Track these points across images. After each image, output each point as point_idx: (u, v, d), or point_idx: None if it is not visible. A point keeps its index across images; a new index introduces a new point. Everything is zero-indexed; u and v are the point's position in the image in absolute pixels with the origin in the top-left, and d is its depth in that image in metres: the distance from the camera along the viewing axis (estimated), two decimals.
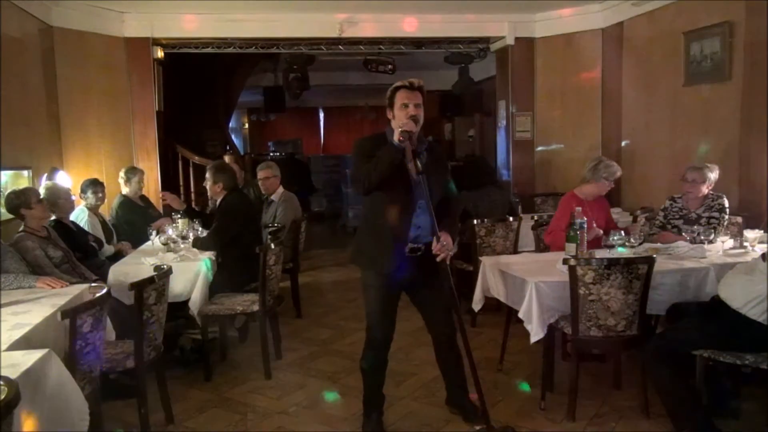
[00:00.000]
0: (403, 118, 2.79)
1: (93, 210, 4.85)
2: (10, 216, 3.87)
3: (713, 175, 4.03)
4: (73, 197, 4.68)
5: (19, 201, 3.70)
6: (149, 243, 4.51)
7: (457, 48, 7.55)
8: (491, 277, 3.63)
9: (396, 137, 2.74)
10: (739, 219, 4.35)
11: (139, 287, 2.86)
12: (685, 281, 3.29)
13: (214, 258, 4.23)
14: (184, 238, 4.42)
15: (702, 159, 4.64)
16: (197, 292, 3.89)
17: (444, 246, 2.79)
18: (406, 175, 2.84)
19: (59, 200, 4.33)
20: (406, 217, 2.86)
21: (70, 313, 2.41)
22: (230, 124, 12.25)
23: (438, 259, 2.82)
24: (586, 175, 3.98)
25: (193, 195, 7.68)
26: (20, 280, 3.14)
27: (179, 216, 4.79)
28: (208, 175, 4.57)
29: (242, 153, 11.69)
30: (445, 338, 3.07)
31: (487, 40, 7.27)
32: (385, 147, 2.78)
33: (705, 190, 4.03)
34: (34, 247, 3.63)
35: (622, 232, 3.65)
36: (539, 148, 7.06)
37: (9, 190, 3.90)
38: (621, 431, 3.07)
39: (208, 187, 4.59)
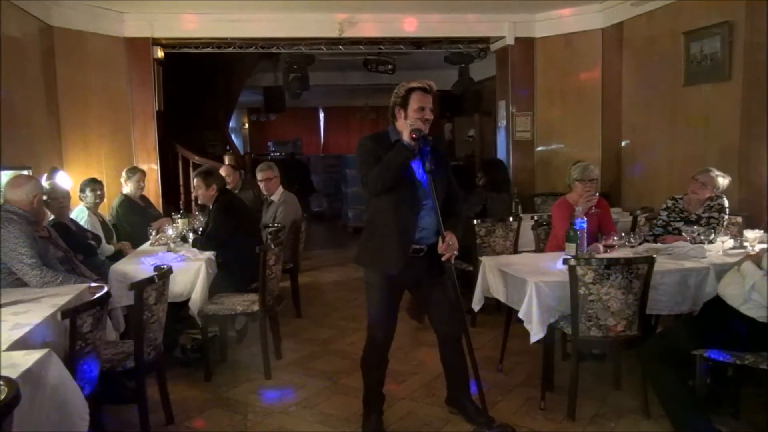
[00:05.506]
0: (418, 120, 2.78)
1: (92, 209, 4.84)
2: None
3: (723, 182, 4.02)
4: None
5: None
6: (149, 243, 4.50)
7: (457, 48, 7.55)
8: (491, 277, 3.64)
9: (407, 136, 2.74)
10: (739, 219, 4.35)
11: (139, 287, 2.86)
12: (685, 281, 3.29)
13: (213, 258, 4.23)
14: (183, 238, 4.41)
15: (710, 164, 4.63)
16: (197, 292, 3.89)
17: (449, 246, 2.79)
18: (411, 175, 2.84)
19: (56, 201, 4.32)
20: (411, 217, 2.86)
21: (70, 313, 2.41)
22: (230, 124, 12.26)
23: (443, 258, 2.82)
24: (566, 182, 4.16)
25: (193, 195, 7.67)
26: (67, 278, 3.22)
27: (179, 216, 4.80)
28: (197, 182, 4.53)
29: (242, 153, 11.69)
30: (451, 338, 3.07)
31: (487, 40, 7.27)
32: (395, 147, 2.78)
33: (709, 194, 4.04)
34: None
35: (623, 233, 3.65)
36: (539, 148, 7.06)
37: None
38: (621, 431, 3.07)
39: (200, 194, 4.56)
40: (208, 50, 6.85)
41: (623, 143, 6.40)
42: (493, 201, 5.27)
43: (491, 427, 2.96)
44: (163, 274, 3.10)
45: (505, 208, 5.35)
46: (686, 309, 3.31)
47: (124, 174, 5.34)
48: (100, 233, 4.73)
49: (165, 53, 6.63)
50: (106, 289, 2.76)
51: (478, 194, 5.38)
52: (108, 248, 4.66)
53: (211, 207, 4.57)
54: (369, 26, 6.64)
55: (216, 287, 4.14)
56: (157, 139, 6.46)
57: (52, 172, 5.20)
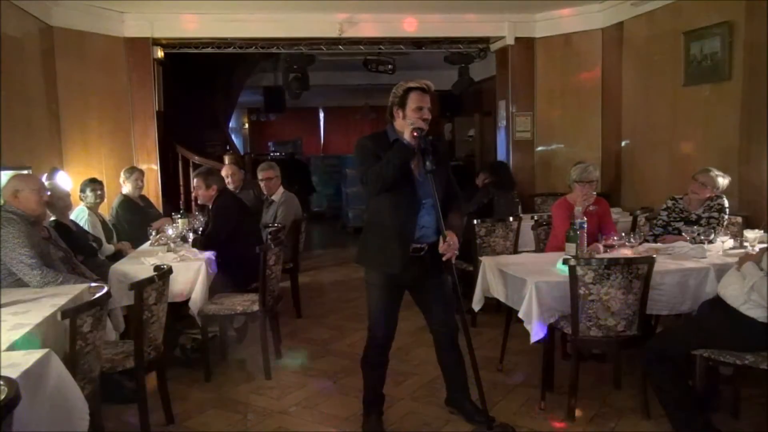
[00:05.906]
0: (418, 120, 2.78)
1: (93, 209, 4.85)
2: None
3: (723, 182, 4.02)
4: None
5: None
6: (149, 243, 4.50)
7: (457, 48, 7.55)
8: (491, 277, 3.63)
9: (408, 135, 2.74)
10: (739, 219, 4.35)
11: (139, 287, 2.86)
12: (685, 281, 3.28)
13: (213, 258, 4.23)
14: (183, 238, 4.41)
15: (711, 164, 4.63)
16: (197, 292, 3.89)
17: (450, 245, 2.79)
18: (411, 174, 2.84)
19: (57, 201, 4.32)
20: (411, 216, 2.86)
21: (70, 313, 2.40)
22: (230, 124, 12.25)
23: (444, 258, 2.82)
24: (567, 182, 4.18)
25: (193, 195, 7.67)
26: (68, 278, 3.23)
27: (179, 216, 4.79)
28: (197, 182, 4.53)
29: (242, 153, 11.68)
30: (446, 338, 3.07)
31: (487, 40, 7.27)
32: (396, 146, 2.79)
33: (709, 194, 4.04)
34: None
35: (623, 233, 3.65)
36: (539, 148, 7.07)
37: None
38: (621, 431, 3.07)
39: (200, 195, 4.57)
40: (208, 50, 6.85)
41: (623, 143, 6.40)
42: (499, 198, 5.32)
43: (491, 427, 2.96)
44: (163, 274, 3.10)
45: (511, 207, 5.39)
46: (686, 309, 3.30)
47: (122, 174, 5.34)
48: (101, 233, 4.73)
49: (165, 53, 6.63)
50: (106, 289, 2.76)
51: (483, 190, 5.45)
52: (108, 248, 4.66)
53: (211, 207, 4.57)
54: (369, 26, 6.64)
55: (216, 287, 4.14)
56: (157, 139, 6.46)
57: (52, 172, 5.20)
